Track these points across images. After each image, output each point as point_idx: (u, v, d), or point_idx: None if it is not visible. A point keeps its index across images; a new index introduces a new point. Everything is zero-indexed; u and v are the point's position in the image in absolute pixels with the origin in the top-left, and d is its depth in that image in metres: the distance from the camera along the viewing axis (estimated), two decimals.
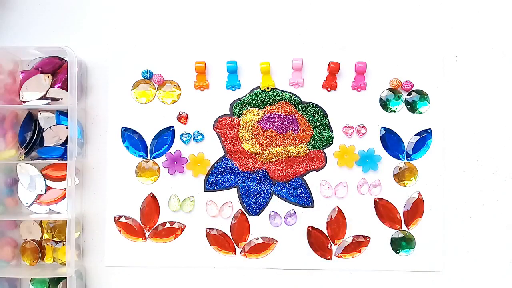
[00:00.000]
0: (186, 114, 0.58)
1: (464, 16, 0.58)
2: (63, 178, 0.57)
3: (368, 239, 0.57)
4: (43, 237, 0.58)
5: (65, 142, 0.56)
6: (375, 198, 0.57)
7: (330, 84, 0.57)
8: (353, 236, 0.57)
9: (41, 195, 0.57)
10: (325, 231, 0.57)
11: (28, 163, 0.56)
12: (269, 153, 0.57)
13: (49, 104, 0.56)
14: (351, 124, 0.57)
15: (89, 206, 0.58)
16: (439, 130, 0.57)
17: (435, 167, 0.57)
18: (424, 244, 0.57)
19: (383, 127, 0.57)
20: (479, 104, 0.58)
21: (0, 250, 0.56)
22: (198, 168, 0.57)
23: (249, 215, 0.58)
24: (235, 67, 0.57)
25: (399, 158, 0.57)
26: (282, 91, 0.58)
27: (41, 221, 0.57)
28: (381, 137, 0.57)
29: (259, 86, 0.58)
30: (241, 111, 0.58)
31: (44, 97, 0.56)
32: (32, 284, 0.57)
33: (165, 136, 0.58)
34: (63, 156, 0.56)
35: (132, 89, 0.58)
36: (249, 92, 0.58)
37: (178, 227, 0.57)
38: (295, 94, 0.58)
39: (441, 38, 0.58)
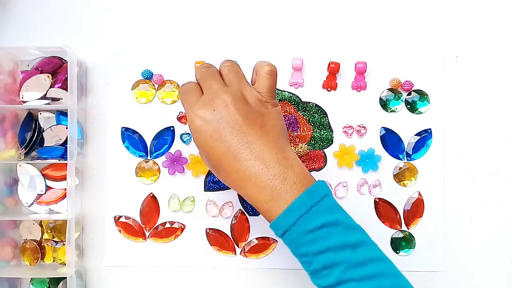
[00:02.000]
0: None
1: (464, 16, 0.58)
2: (63, 178, 0.57)
3: None
4: (43, 237, 0.58)
5: (65, 142, 0.56)
6: (375, 198, 0.57)
7: (330, 84, 0.57)
8: None
9: (41, 195, 0.57)
10: None
11: (28, 163, 0.56)
12: None
13: (49, 104, 0.56)
14: (351, 124, 0.57)
15: (89, 206, 0.58)
16: (439, 130, 0.57)
17: (435, 167, 0.57)
18: (424, 244, 0.57)
19: (383, 127, 0.57)
20: (479, 104, 0.58)
21: (0, 250, 0.56)
22: (198, 168, 0.57)
23: (249, 215, 0.58)
24: None
25: (399, 158, 0.57)
26: (282, 91, 0.58)
27: (41, 221, 0.57)
28: (381, 137, 0.57)
29: None
30: None
31: (44, 97, 0.56)
32: (32, 284, 0.57)
33: (165, 136, 0.58)
34: (63, 156, 0.56)
35: (132, 89, 0.58)
36: None
37: (178, 227, 0.57)
38: (295, 94, 0.58)
39: (441, 38, 0.58)
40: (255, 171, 0.39)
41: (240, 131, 0.40)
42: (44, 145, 0.57)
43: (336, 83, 0.57)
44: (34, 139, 0.56)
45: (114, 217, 0.58)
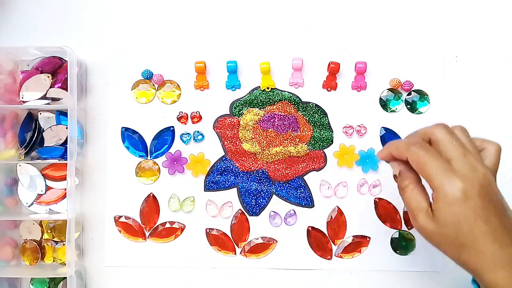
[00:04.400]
0: (186, 114, 0.58)
1: (464, 16, 0.58)
2: (63, 178, 0.57)
3: (368, 239, 0.57)
4: (43, 237, 0.58)
5: (65, 142, 0.56)
6: (375, 198, 0.57)
7: (330, 84, 0.57)
8: (353, 236, 0.57)
9: (41, 195, 0.57)
10: (325, 231, 0.57)
11: (28, 163, 0.56)
12: (269, 153, 0.57)
13: (49, 104, 0.56)
14: (351, 124, 0.57)
15: (89, 206, 0.58)
16: None
17: None
18: (424, 244, 0.57)
19: (383, 127, 0.57)
20: (479, 104, 0.58)
21: (0, 250, 0.56)
22: (198, 168, 0.57)
23: (249, 215, 0.58)
24: (235, 67, 0.57)
25: None
26: (282, 91, 0.58)
27: (41, 221, 0.57)
28: (381, 137, 0.57)
29: (259, 86, 0.58)
30: (241, 111, 0.58)
31: (44, 97, 0.56)
32: (32, 284, 0.57)
33: (165, 136, 0.58)
34: (63, 156, 0.56)
35: (132, 89, 0.58)
36: (249, 92, 0.58)
37: (178, 227, 0.57)
38: (295, 94, 0.58)
39: (441, 38, 0.58)
40: None
41: (502, 214, 0.37)
42: (44, 145, 0.57)
43: (336, 83, 0.57)
44: (34, 139, 0.56)
45: (114, 217, 0.58)
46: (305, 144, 0.57)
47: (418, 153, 0.39)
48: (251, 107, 0.58)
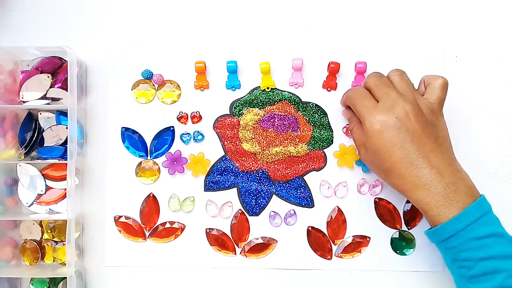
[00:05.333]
0: (186, 114, 0.58)
1: (464, 16, 0.58)
2: (63, 178, 0.57)
3: (368, 239, 0.57)
4: (43, 237, 0.58)
5: (65, 142, 0.56)
6: (375, 198, 0.57)
7: (330, 84, 0.57)
8: (353, 236, 0.57)
9: (41, 195, 0.57)
10: (325, 231, 0.57)
11: (28, 163, 0.56)
12: (269, 153, 0.57)
13: (49, 104, 0.56)
14: None
15: (89, 206, 0.58)
16: None
17: None
18: (424, 244, 0.57)
19: None
20: (479, 104, 0.58)
21: (0, 250, 0.56)
22: (198, 168, 0.57)
23: (249, 215, 0.58)
24: (235, 67, 0.57)
25: None
26: (282, 91, 0.58)
27: (41, 221, 0.58)
28: None
29: (259, 86, 0.58)
30: (241, 111, 0.58)
31: (44, 97, 0.56)
32: (32, 284, 0.57)
33: (165, 136, 0.58)
34: (63, 156, 0.56)
35: (132, 89, 0.58)
36: (249, 92, 0.58)
37: (178, 227, 0.58)
38: (295, 94, 0.58)
39: (441, 38, 0.58)
40: (430, 179, 0.43)
41: (419, 140, 0.44)
42: (44, 145, 0.57)
43: (336, 83, 0.57)
44: (34, 139, 0.56)
45: (114, 217, 0.58)
46: (305, 144, 0.57)
47: (351, 96, 0.49)
48: (251, 107, 0.58)
